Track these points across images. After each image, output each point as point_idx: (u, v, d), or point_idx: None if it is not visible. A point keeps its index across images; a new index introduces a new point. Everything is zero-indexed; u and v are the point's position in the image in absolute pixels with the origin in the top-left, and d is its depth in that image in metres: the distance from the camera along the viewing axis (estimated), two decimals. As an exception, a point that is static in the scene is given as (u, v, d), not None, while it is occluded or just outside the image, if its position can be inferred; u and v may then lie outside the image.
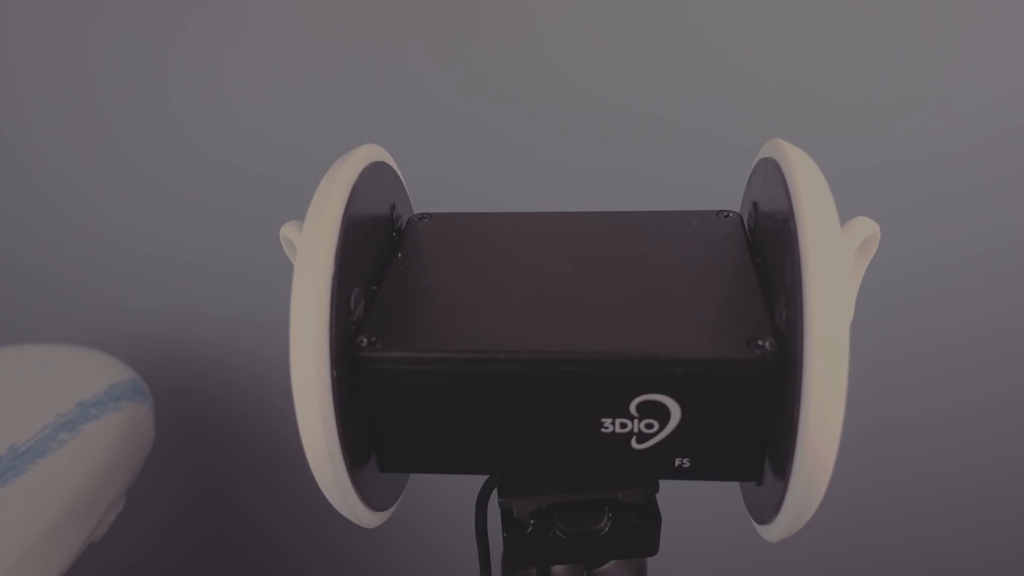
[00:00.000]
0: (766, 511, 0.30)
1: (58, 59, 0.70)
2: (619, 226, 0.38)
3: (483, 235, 0.38)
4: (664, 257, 0.35)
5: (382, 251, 0.37)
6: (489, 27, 0.65)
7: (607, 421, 0.29)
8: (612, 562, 0.40)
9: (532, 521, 0.37)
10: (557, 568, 0.41)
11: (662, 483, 0.36)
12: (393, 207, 0.39)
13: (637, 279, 0.33)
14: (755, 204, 0.37)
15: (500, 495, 0.37)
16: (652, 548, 0.37)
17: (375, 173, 0.36)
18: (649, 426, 0.29)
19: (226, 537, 1.00)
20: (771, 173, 0.33)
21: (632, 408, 0.29)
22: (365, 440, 0.32)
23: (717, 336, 0.29)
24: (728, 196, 0.44)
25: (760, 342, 0.28)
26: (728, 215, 0.39)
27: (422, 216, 0.41)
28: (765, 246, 0.33)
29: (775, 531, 0.30)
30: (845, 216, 0.33)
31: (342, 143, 0.39)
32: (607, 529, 0.37)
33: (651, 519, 0.37)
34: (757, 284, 0.32)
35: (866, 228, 0.33)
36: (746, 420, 0.29)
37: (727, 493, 0.47)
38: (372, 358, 0.30)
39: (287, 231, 0.36)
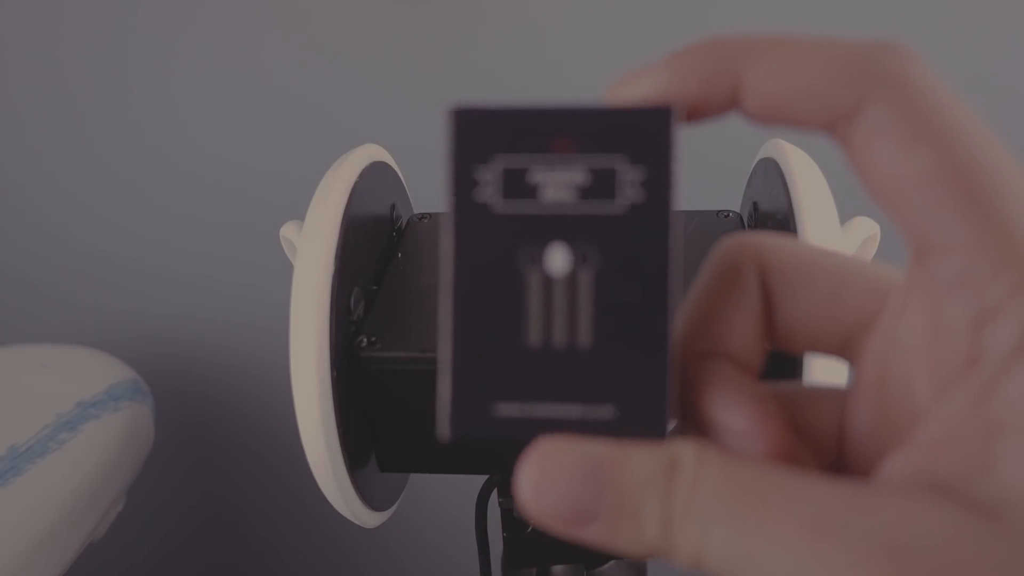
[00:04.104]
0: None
1: (59, 59, 0.70)
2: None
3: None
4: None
5: (382, 251, 0.37)
6: (491, 26, 0.65)
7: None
8: (612, 562, 0.40)
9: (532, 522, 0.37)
10: (557, 568, 0.40)
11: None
12: (393, 207, 0.39)
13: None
14: (755, 204, 0.37)
15: (500, 495, 0.37)
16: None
17: (375, 173, 0.36)
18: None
19: (225, 538, 1.00)
20: (771, 173, 0.33)
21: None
22: (365, 440, 0.32)
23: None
24: (728, 196, 0.44)
25: (760, 342, 0.28)
26: (728, 215, 0.39)
27: (422, 216, 0.41)
28: (765, 246, 0.33)
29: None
30: (845, 216, 0.33)
31: (342, 142, 0.39)
32: (607, 529, 0.37)
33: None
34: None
35: (866, 228, 0.33)
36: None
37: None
38: (372, 358, 0.30)
39: (287, 231, 0.36)
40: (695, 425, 0.16)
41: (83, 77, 0.71)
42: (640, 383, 0.16)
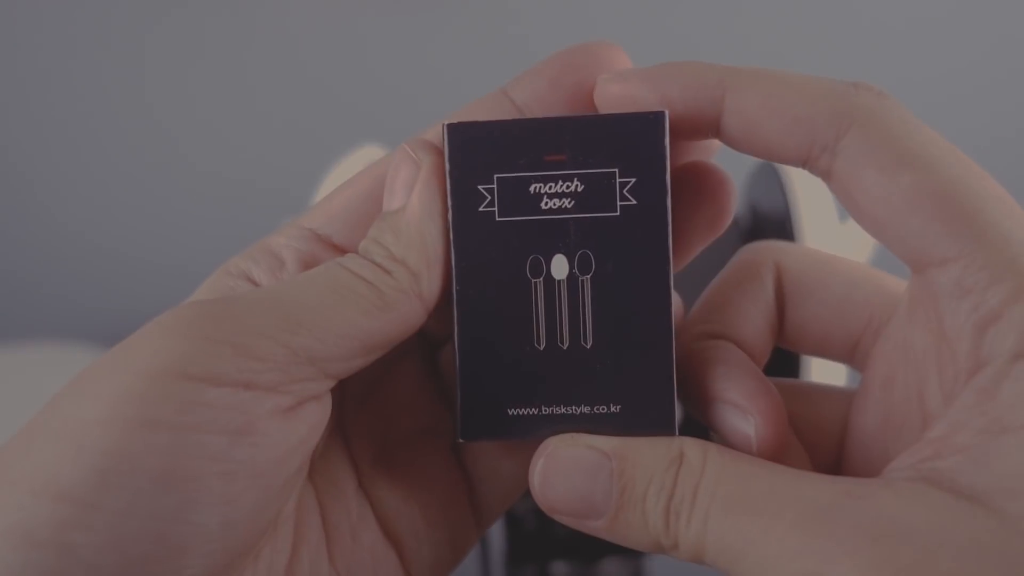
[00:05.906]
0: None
1: (63, 57, 0.70)
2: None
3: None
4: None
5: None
6: (495, 27, 0.65)
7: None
8: (611, 558, 0.40)
9: (532, 519, 0.37)
10: (557, 566, 0.41)
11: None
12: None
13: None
14: (754, 206, 0.37)
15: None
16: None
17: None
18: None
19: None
20: (770, 174, 0.33)
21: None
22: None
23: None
24: (727, 197, 0.44)
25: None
26: (727, 216, 0.39)
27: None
28: (764, 246, 0.33)
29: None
30: (845, 215, 0.33)
31: (342, 143, 0.39)
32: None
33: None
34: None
35: (864, 228, 0.33)
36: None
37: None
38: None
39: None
40: (695, 402, 0.17)
41: (88, 72, 0.71)
42: (646, 380, 0.16)
